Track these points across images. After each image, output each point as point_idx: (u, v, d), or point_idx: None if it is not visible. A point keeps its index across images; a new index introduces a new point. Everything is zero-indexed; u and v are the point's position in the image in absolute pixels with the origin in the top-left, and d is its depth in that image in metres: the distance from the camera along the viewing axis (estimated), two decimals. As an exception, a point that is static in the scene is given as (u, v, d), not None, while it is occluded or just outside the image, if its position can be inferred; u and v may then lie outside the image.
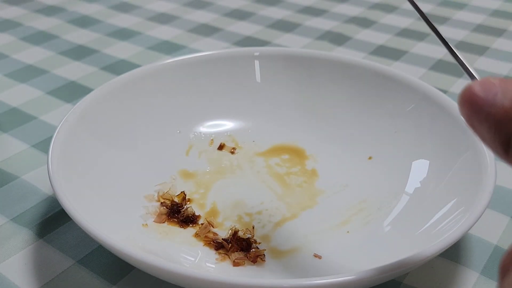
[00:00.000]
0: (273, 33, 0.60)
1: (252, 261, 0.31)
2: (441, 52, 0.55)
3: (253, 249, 0.32)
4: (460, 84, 0.50)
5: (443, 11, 0.64)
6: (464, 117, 0.19)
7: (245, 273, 0.31)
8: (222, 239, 0.32)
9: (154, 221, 0.34)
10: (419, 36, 0.59)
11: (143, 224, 0.33)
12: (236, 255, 0.31)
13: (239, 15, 0.64)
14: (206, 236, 0.33)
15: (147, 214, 0.34)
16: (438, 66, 0.53)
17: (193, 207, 0.35)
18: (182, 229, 0.33)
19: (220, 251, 0.32)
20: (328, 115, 0.41)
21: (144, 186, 0.36)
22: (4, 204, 0.36)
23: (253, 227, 0.33)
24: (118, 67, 0.53)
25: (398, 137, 0.38)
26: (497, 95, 0.18)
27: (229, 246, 0.32)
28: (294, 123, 0.42)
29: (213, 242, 0.32)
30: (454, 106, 0.36)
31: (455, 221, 0.29)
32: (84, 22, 0.63)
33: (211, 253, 0.32)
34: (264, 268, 0.31)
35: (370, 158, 0.38)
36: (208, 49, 0.56)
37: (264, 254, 0.31)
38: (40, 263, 0.32)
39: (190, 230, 0.33)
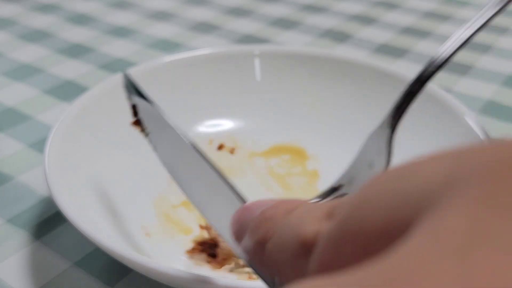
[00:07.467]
0: (273, 31, 0.59)
1: None
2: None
3: None
4: (462, 83, 0.49)
5: (446, 10, 0.64)
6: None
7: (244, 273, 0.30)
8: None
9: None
10: (422, 34, 0.58)
11: (141, 226, 0.33)
12: None
13: (239, 12, 0.64)
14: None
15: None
16: (440, 64, 0.52)
17: (192, 208, 0.34)
18: (181, 232, 0.33)
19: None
20: (329, 114, 0.41)
21: (142, 186, 0.35)
22: (0, 205, 0.36)
23: None
24: (115, 65, 0.52)
25: (398, 137, 0.38)
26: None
27: None
28: (294, 123, 0.41)
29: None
30: (455, 105, 0.36)
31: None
32: (81, 20, 0.62)
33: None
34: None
35: (372, 158, 0.38)
36: (207, 47, 0.56)
37: None
38: (36, 265, 0.32)
39: (190, 233, 0.33)
